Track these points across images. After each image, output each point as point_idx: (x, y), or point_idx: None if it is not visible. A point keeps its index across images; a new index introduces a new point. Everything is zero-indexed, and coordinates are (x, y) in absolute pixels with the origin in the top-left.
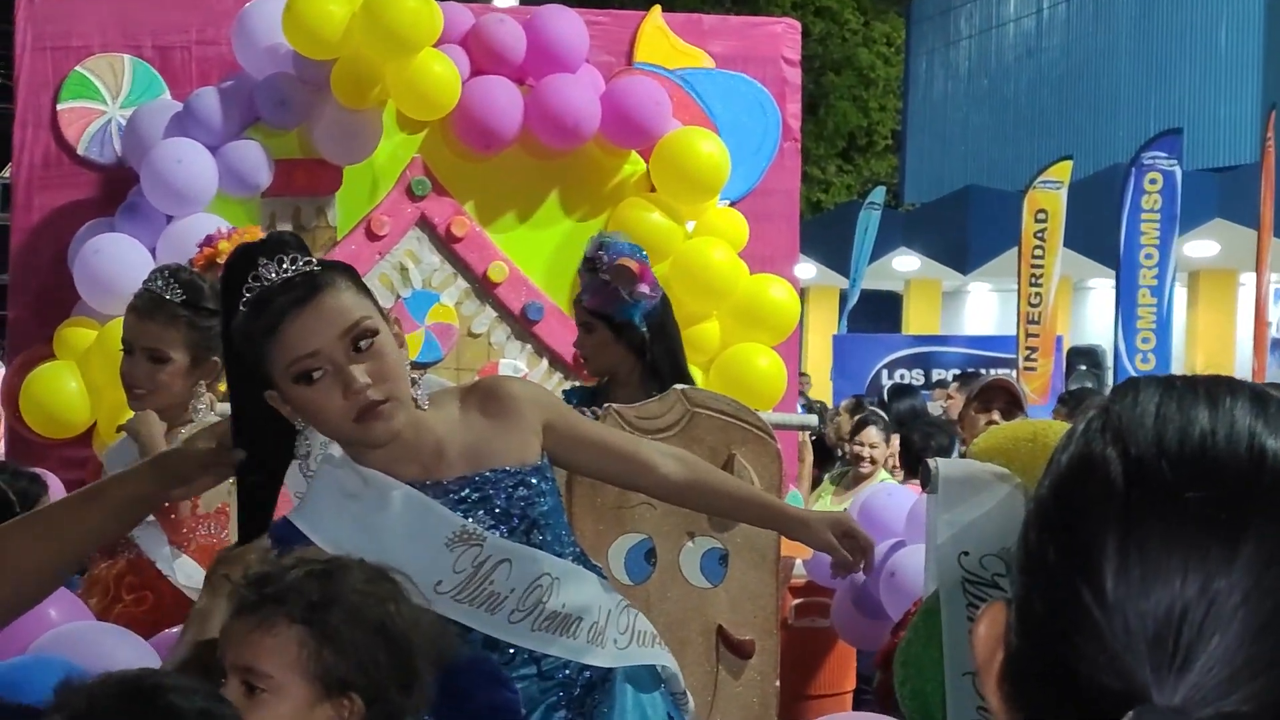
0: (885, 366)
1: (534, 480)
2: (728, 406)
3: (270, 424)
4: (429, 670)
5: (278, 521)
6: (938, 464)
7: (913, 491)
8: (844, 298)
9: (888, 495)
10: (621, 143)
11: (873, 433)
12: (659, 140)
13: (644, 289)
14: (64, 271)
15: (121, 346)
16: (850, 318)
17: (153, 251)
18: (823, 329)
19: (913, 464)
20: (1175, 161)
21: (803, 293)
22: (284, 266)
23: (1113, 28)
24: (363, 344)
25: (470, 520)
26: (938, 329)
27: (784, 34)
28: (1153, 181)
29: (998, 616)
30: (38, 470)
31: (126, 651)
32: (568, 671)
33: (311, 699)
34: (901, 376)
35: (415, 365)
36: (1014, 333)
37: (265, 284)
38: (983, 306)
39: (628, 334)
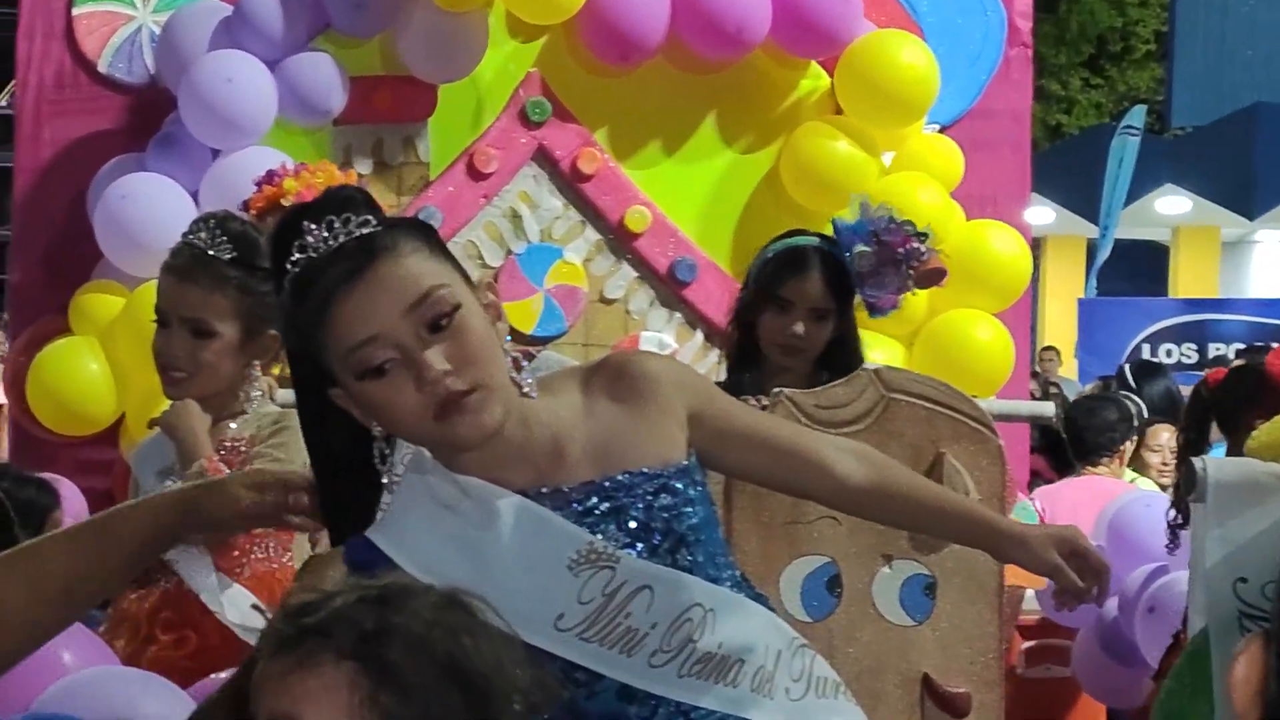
0: (1147, 339)
1: (680, 485)
2: (935, 392)
3: (345, 428)
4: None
5: (354, 541)
6: (1205, 465)
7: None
8: (1092, 250)
9: (1145, 507)
10: (798, 50)
11: (1163, 435)
12: (846, 47)
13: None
14: (82, 222)
15: (155, 318)
16: (1100, 276)
17: (194, 196)
18: (1064, 291)
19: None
20: None
21: (1036, 244)
22: (334, 230)
23: None
24: (441, 321)
25: (599, 537)
26: (1215, 291)
27: None
28: None
29: (1256, 656)
30: (47, 476)
31: (158, 705)
32: None
33: None
34: (1169, 353)
35: (531, 340)
36: None
37: (311, 256)
38: (1275, 262)
39: (845, 326)
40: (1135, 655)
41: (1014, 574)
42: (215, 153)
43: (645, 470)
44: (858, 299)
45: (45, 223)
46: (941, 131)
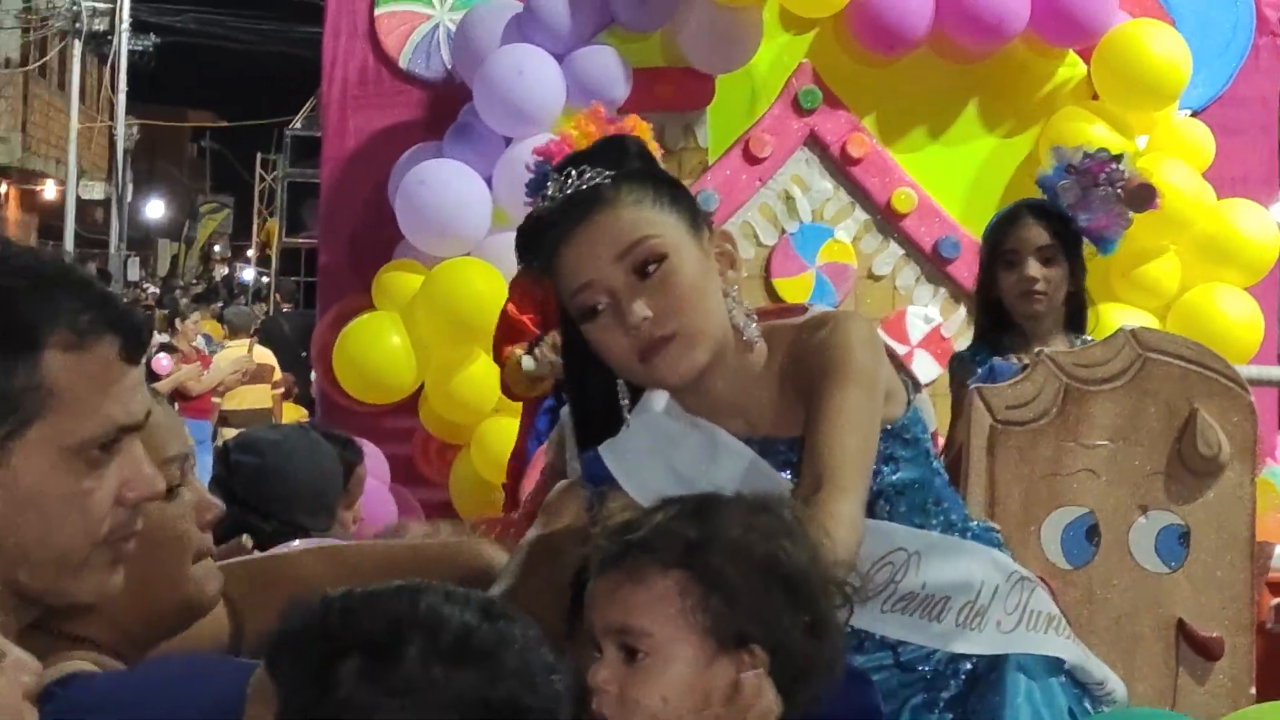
0: None
1: (882, 446)
2: (1189, 351)
3: (597, 363)
4: (835, 611)
5: (588, 456)
6: None
7: None
8: None
9: None
10: (1056, 40)
11: None
12: (1102, 36)
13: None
14: (384, 206)
15: None
16: None
17: (488, 181)
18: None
19: None
20: None
21: None
22: (569, 181)
23: None
24: (649, 269)
25: None
26: None
27: None
28: None
29: None
30: (352, 438)
31: None
32: (934, 663)
33: (706, 655)
34: None
35: None
36: None
37: (546, 205)
38: None
39: (1078, 274)
40: None
41: (1264, 530)
42: (507, 140)
43: None
44: (1088, 249)
45: (350, 208)
46: (1193, 116)
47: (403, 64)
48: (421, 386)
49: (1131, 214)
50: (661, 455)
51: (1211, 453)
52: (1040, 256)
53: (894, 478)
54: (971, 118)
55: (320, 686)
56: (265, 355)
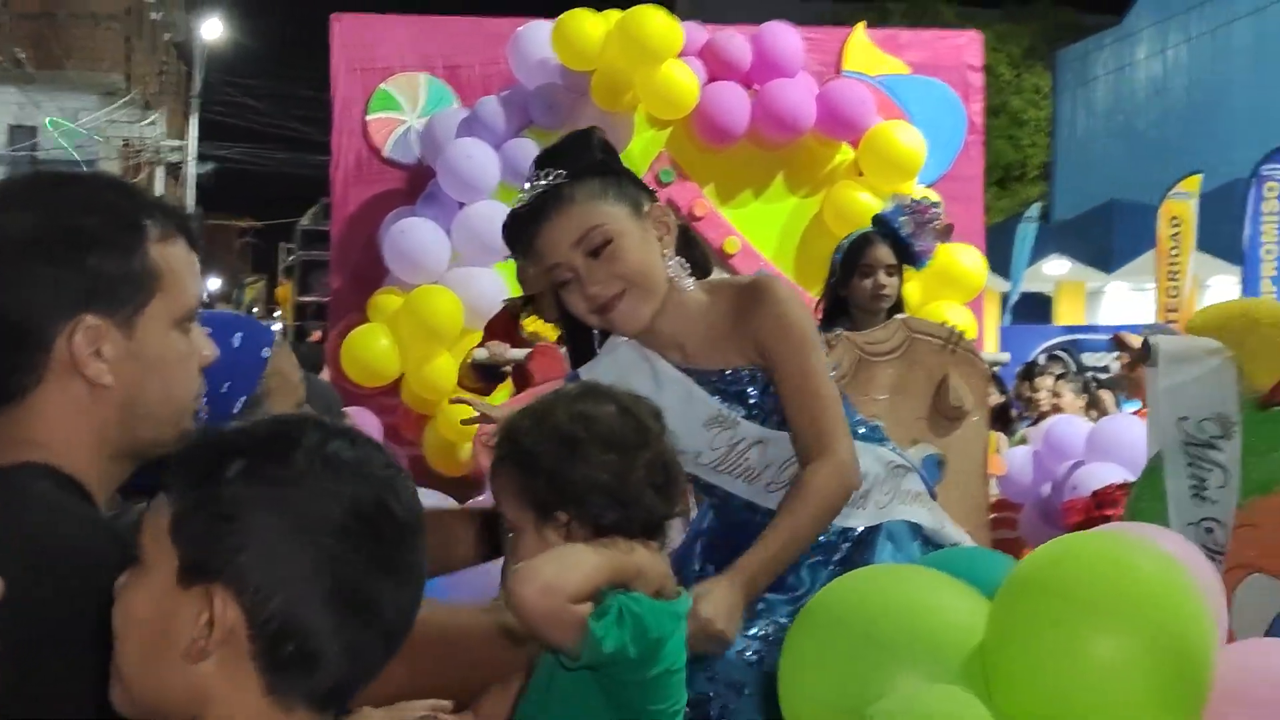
0: (1042, 351)
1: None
2: (942, 332)
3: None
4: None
5: (570, 376)
6: (1158, 340)
7: (1089, 422)
8: (1005, 298)
9: (1068, 424)
10: (834, 135)
11: (1048, 380)
12: (865, 132)
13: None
14: (376, 250)
15: None
16: (1013, 313)
17: (448, 232)
18: (990, 324)
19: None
20: None
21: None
22: (536, 183)
23: (1228, 67)
24: (599, 250)
25: (726, 406)
26: (1083, 320)
27: (968, 44)
28: (1270, 189)
29: None
30: (353, 410)
31: None
32: (829, 533)
33: (535, 526)
34: (1055, 358)
35: None
36: (1152, 323)
37: (523, 201)
38: (1119, 302)
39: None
40: (1061, 520)
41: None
42: (461, 204)
43: (756, 369)
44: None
45: (352, 252)
46: (928, 188)
47: (386, 153)
48: (402, 375)
49: (938, 243)
50: (622, 381)
51: (959, 405)
52: (887, 270)
53: None
54: (778, 187)
55: (206, 485)
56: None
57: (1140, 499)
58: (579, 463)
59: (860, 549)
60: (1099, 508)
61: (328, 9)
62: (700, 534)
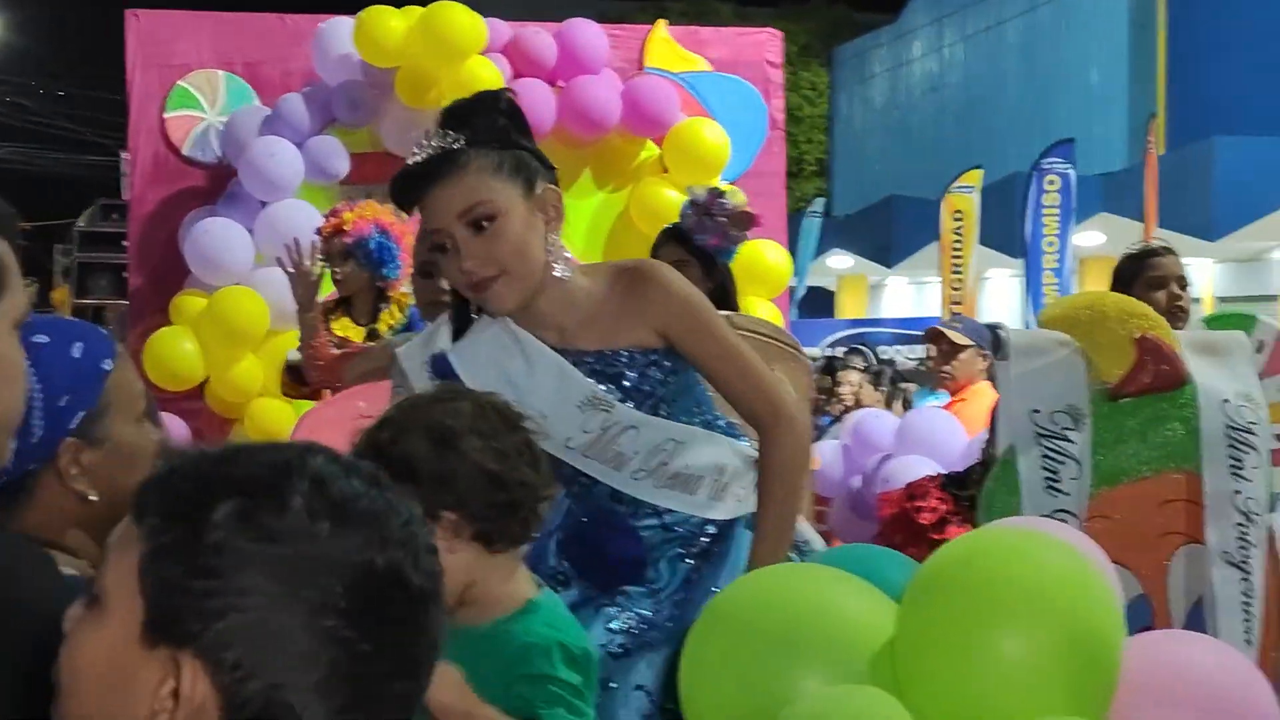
0: (832, 345)
1: (667, 362)
2: (766, 329)
3: None
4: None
5: (439, 355)
6: (1008, 332)
7: (896, 417)
8: (792, 292)
9: (876, 418)
10: (639, 132)
11: (853, 375)
12: (670, 129)
13: (746, 234)
14: (176, 250)
15: None
16: (799, 307)
17: (250, 232)
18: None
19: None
20: (1070, 165)
21: None
22: (431, 144)
23: (1001, 65)
24: (483, 225)
25: (602, 388)
26: (864, 314)
27: (767, 41)
28: (1051, 182)
29: None
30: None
31: None
32: (689, 525)
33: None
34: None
35: None
36: (936, 316)
37: (417, 158)
38: (899, 296)
39: (716, 273)
40: (873, 513)
41: None
42: (263, 204)
43: (635, 350)
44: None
45: (152, 253)
46: (731, 184)
47: (185, 152)
48: (207, 378)
49: (742, 233)
50: (495, 362)
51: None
52: (678, 266)
53: (670, 387)
54: (587, 183)
55: (190, 527)
56: None
57: (995, 493)
58: (457, 457)
59: (719, 541)
60: (911, 499)
61: (112, 7)
62: (554, 530)
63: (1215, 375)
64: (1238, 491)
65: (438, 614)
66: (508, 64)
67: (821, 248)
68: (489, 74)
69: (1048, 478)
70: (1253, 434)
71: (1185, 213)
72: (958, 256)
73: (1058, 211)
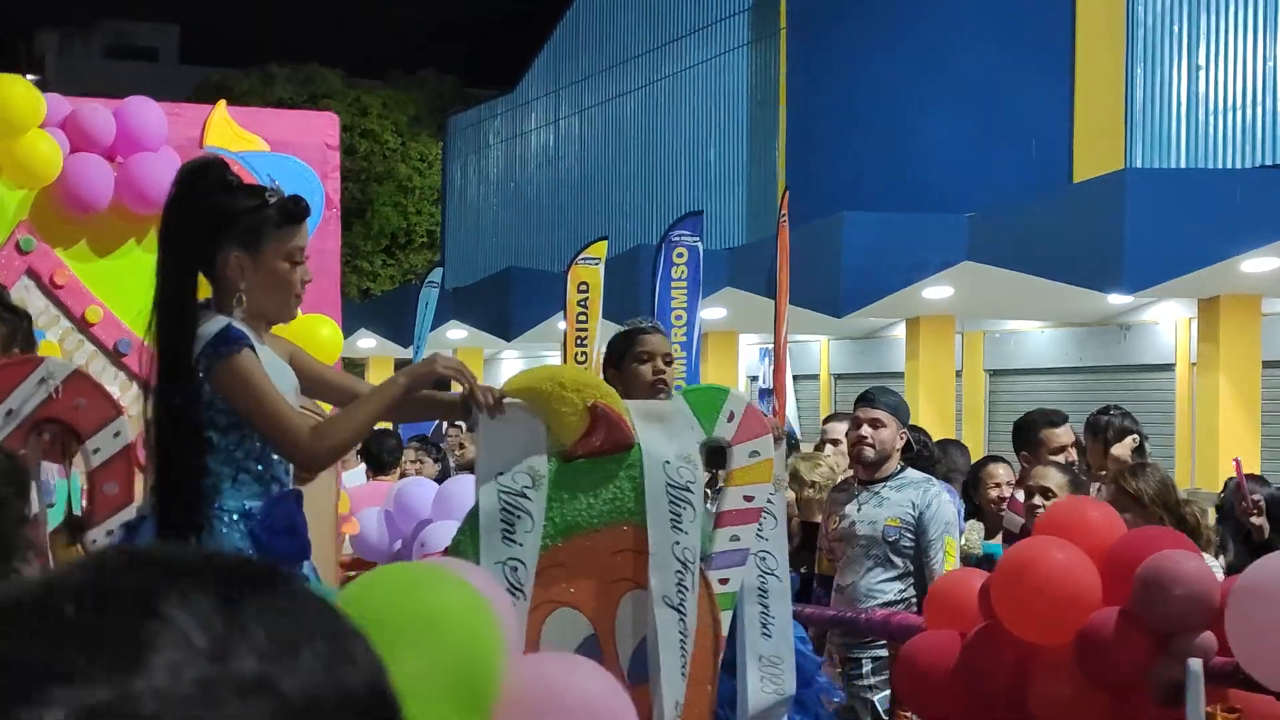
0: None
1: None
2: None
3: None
4: None
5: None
6: (479, 416)
7: (435, 485)
8: (404, 364)
9: (418, 485)
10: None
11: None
12: None
13: None
14: None
15: None
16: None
17: None
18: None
19: None
20: (698, 238)
21: (365, 362)
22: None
23: (620, 138)
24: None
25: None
26: None
27: (326, 124)
28: (680, 255)
29: None
30: None
31: None
32: None
33: None
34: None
35: None
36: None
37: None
38: (518, 368)
39: None
40: None
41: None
42: None
43: None
44: None
45: None
46: None
47: None
48: None
49: None
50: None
51: None
52: None
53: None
54: (141, 256)
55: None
56: None
57: (461, 539)
58: None
59: None
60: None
61: None
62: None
63: (659, 439)
64: (677, 542)
65: None
66: (66, 138)
67: (440, 319)
68: (46, 147)
69: (504, 530)
70: (690, 491)
71: (816, 287)
72: (582, 329)
73: (685, 284)
